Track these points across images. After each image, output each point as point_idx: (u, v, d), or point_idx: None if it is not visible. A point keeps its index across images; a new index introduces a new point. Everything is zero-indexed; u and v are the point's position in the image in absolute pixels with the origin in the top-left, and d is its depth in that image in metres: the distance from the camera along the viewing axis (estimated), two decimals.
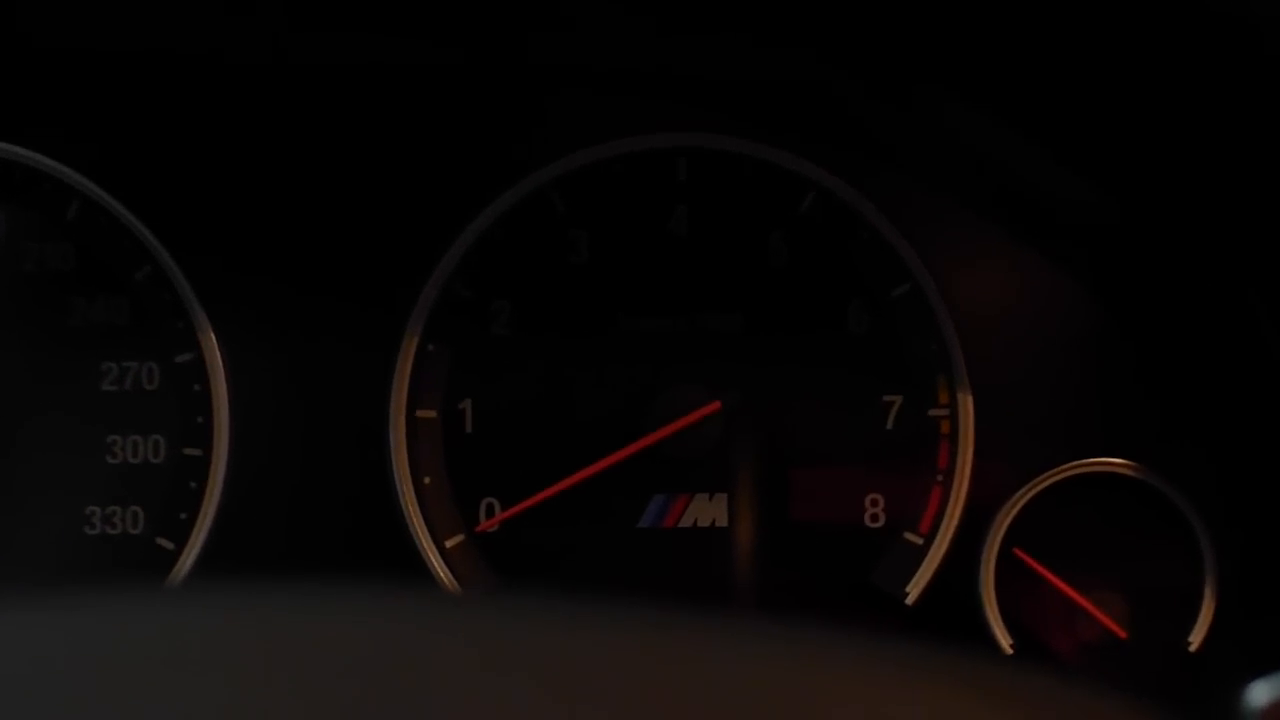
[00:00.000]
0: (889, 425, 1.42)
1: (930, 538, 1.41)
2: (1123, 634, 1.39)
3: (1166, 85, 1.13)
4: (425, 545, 1.41)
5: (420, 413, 1.42)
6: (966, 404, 1.41)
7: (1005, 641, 1.39)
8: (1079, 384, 1.41)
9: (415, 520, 1.41)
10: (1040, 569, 1.40)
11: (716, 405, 1.40)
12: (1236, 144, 1.15)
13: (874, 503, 1.42)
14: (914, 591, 1.41)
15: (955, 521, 1.41)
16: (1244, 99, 1.08)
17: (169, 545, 1.42)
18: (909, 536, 1.42)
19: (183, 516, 1.42)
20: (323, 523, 1.41)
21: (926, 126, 1.39)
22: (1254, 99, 1.07)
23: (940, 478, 1.42)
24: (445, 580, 1.41)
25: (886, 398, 1.42)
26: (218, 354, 1.41)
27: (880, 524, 1.42)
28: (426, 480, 1.42)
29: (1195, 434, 1.40)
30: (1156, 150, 1.23)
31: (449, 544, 1.42)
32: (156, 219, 1.41)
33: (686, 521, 1.42)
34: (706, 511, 1.42)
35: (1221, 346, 1.39)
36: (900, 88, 1.33)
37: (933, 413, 1.42)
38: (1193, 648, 1.40)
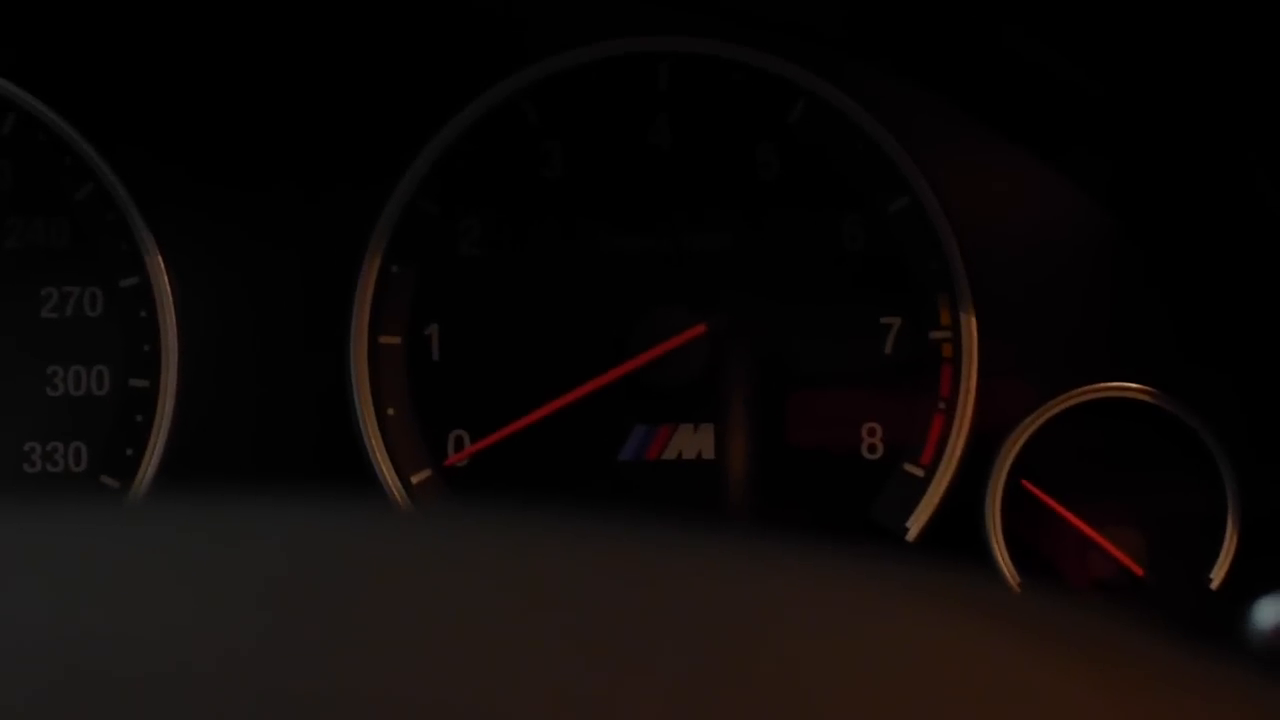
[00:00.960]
0: (887, 349, 1.37)
1: (932, 469, 1.37)
2: (1139, 571, 1.36)
3: None
4: (389, 480, 1.37)
5: (383, 339, 1.37)
6: (970, 325, 1.36)
7: (1013, 580, 1.35)
8: (1091, 303, 1.37)
9: (378, 454, 1.37)
10: (1050, 502, 1.35)
11: (702, 328, 1.36)
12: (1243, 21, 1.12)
13: (871, 432, 1.37)
14: (915, 527, 1.37)
15: (959, 452, 1.36)
16: None
17: (114, 484, 1.38)
18: (909, 468, 1.37)
19: (129, 453, 1.38)
20: (278, 458, 1.37)
21: (922, 22, 1.35)
22: None
23: (942, 405, 1.37)
24: None
25: (884, 319, 1.37)
26: (165, 278, 1.37)
27: (878, 455, 1.37)
28: (390, 411, 1.37)
29: (1217, 356, 1.36)
30: (1161, 33, 1.20)
31: (415, 479, 1.38)
32: (98, 133, 1.37)
33: (670, 454, 1.37)
34: (692, 443, 1.37)
35: (1245, 259, 1.35)
36: None
37: (934, 335, 1.37)
38: (1214, 585, 1.36)
